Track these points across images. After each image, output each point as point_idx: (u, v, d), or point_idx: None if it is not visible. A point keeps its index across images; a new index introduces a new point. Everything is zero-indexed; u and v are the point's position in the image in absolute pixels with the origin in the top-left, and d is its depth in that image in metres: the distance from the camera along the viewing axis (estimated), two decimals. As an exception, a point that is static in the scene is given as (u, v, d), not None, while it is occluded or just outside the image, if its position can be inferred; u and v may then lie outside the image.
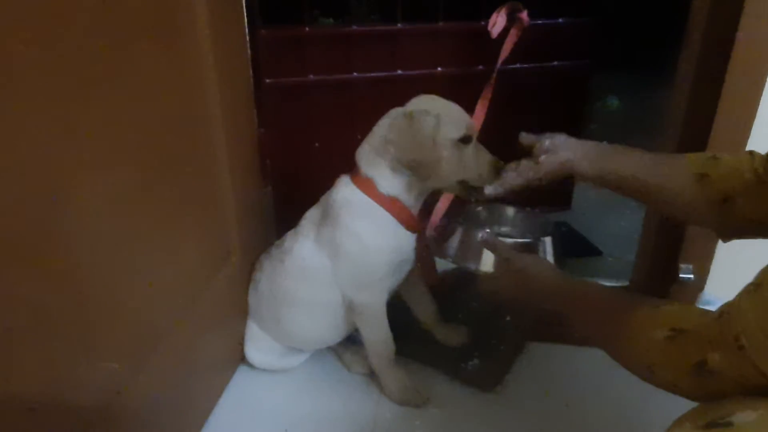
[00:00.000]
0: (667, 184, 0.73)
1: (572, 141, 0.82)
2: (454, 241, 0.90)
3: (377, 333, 0.94)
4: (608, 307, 0.65)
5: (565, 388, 0.99)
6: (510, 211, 1.04)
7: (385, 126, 0.88)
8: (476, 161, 0.88)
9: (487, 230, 0.89)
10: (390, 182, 0.88)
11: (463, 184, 0.90)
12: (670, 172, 0.73)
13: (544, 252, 0.90)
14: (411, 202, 0.90)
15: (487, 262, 0.85)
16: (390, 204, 0.88)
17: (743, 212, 0.66)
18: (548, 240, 0.90)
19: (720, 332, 0.48)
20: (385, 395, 0.97)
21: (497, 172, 0.86)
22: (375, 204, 0.88)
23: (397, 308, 1.00)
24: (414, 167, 0.85)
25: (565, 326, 0.74)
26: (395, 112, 0.89)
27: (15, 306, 0.50)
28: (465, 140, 0.87)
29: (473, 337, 1.07)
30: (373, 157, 0.88)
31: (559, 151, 0.81)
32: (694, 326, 0.52)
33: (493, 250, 0.84)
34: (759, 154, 0.66)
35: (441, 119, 0.85)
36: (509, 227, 1.02)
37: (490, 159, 0.88)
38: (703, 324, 0.51)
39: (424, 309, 1.07)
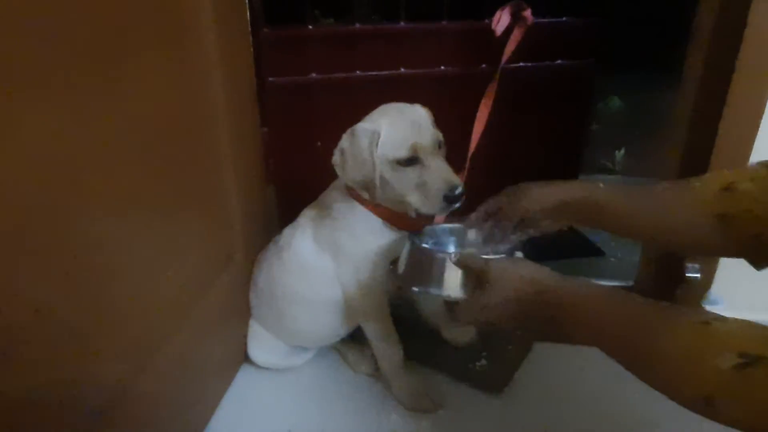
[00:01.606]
0: (676, 224, 0.64)
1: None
2: (402, 263, 0.78)
3: (383, 335, 0.94)
4: (635, 320, 0.55)
5: (572, 389, 0.98)
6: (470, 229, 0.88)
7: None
8: (423, 186, 0.79)
9: (455, 251, 0.76)
10: (364, 192, 0.85)
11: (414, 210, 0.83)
12: (678, 210, 0.64)
13: None
14: (399, 208, 0.87)
15: (452, 284, 0.71)
16: (380, 210, 0.88)
17: None
18: (519, 254, 0.78)
19: None
20: (396, 401, 0.95)
21: (449, 201, 0.77)
22: (363, 208, 0.88)
23: (403, 309, 1.00)
24: (361, 187, 0.83)
25: (573, 339, 0.60)
26: (349, 129, 0.84)
27: (17, 304, 0.50)
28: (407, 162, 0.79)
29: (480, 338, 1.06)
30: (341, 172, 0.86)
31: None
32: None
33: (466, 266, 0.70)
34: None
35: (379, 136, 0.80)
36: (472, 247, 0.85)
37: (442, 185, 0.78)
38: None
39: (431, 309, 1.06)
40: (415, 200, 0.81)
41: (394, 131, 0.80)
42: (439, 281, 0.72)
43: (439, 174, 0.79)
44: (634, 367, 0.53)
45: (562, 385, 0.99)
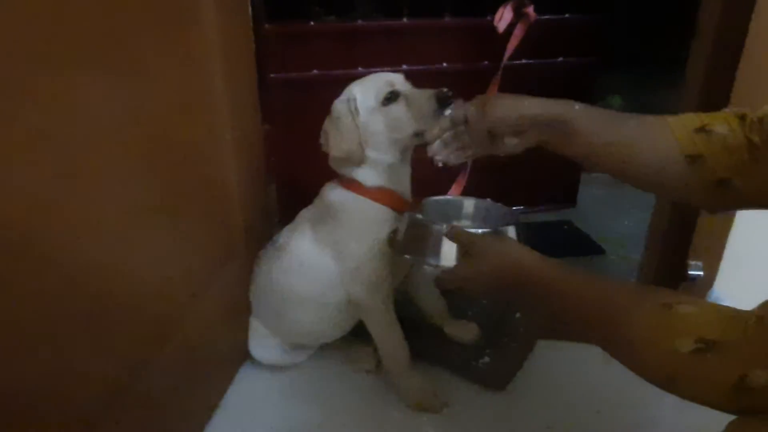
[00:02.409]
0: (647, 160, 0.63)
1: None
2: (400, 235, 0.82)
3: (388, 333, 0.93)
4: (607, 300, 0.57)
5: (575, 386, 0.98)
6: (468, 202, 0.92)
7: None
8: (413, 110, 0.83)
9: (452, 223, 0.77)
10: (367, 172, 0.89)
11: (414, 137, 0.85)
12: (652, 145, 0.63)
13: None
14: (395, 182, 0.90)
15: (449, 255, 0.74)
16: (377, 194, 0.89)
17: (739, 193, 0.60)
18: (511, 229, 0.78)
19: (763, 343, 0.44)
20: (402, 400, 0.94)
21: (442, 104, 0.79)
22: (365, 199, 0.89)
23: (405, 306, 1.00)
24: (347, 159, 0.87)
25: (557, 322, 0.66)
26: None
27: (20, 298, 0.50)
28: (389, 99, 0.85)
29: (484, 335, 1.06)
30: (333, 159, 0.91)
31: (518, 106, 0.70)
32: (726, 337, 0.47)
33: (455, 240, 0.73)
34: (751, 118, 0.59)
35: (354, 99, 0.86)
36: (468, 220, 0.91)
37: (429, 94, 0.82)
38: (739, 333, 0.46)
39: (432, 306, 1.07)
40: (414, 125, 0.84)
41: (366, 86, 0.87)
42: (435, 252, 0.75)
43: (422, 91, 0.84)
44: (607, 347, 0.56)
45: (566, 382, 0.99)
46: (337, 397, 0.97)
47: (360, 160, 0.87)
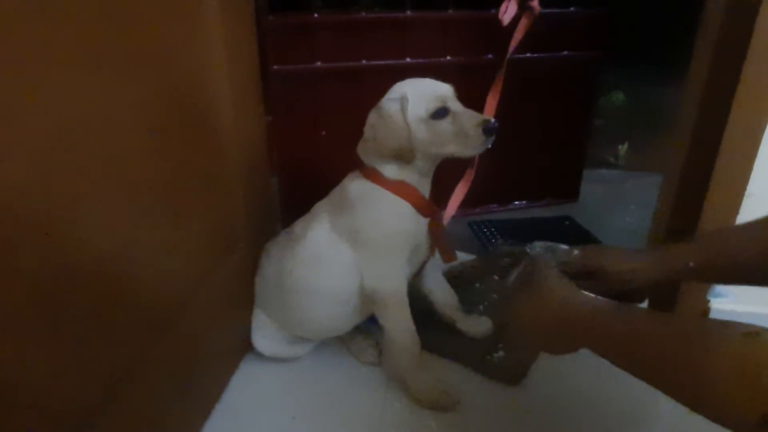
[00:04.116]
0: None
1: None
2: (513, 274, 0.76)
3: (401, 325, 0.92)
4: (673, 339, 0.50)
5: (590, 380, 0.96)
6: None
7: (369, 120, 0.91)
8: (458, 131, 0.85)
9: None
10: (391, 167, 0.90)
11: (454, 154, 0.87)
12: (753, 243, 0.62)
13: None
14: (418, 182, 0.91)
15: None
16: (398, 188, 0.89)
17: None
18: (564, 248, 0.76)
19: None
20: (412, 398, 0.93)
21: (486, 132, 0.83)
22: (385, 191, 0.89)
23: (417, 300, 0.99)
24: (396, 156, 0.88)
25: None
26: (374, 108, 0.90)
27: (18, 286, 0.50)
28: (437, 114, 0.85)
29: (496, 329, 1.05)
30: (367, 149, 0.91)
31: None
32: None
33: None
34: None
35: (407, 100, 0.86)
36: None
37: (477, 121, 0.84)
38: None
39: (444, 300, 1.06)
40: (455, 147, 0.86)
41: (419, 92, 0.87)
42: None
43: (470, 114, 0.86)
44: (674, 390, 0.48)
45: (580, 376, 0.97)
46: (338, 390, 0.98)
47: (410, 158, 0.87)
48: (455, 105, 0.87)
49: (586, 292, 0.61)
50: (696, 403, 0.46)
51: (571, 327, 0.59)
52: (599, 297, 0.60)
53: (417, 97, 0.86)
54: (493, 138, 0.84)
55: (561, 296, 0.61)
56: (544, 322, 0.62)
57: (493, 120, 0.84)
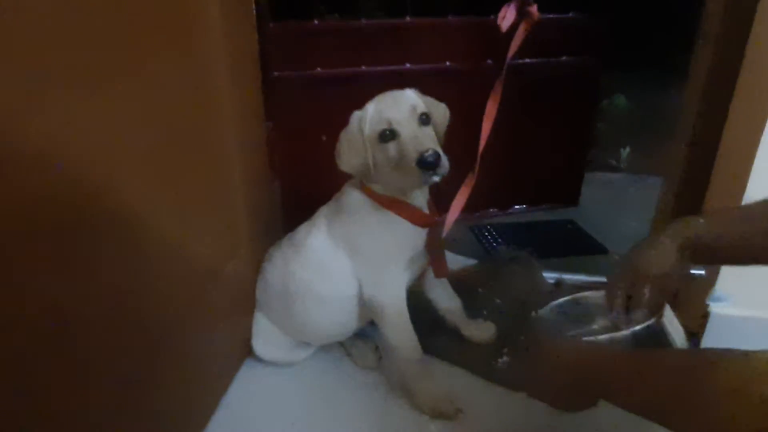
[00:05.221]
0: None
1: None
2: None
3: (401, 333, 0.91)
4: (674, 372, 0.51)
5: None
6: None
7: None
8: (400, 160, 0.79)
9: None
10: (378, 187, 0.89)
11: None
12: None
13: (672, 332, 0.68)
14: (410, 195, 0.89)
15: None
16: (392, 204, 0.88)
17: None
18: (669, 315, 0.68)
19: None
20: (414, 406, 0.92)
21: (421, 164, 0.75)
22: (376, 204, 0.89)
23: (421, 306, 0.99)
24: (359, 173, 0.86)
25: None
26: None
27: (31, 300, 0.51)
28: (384, 136, 0.81)
29: (500, 334, 1.05)
30: (339, 164, 0.88)
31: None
32: None
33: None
34: None
35: (365, 119, 0.83)
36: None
37: (413, 153, 0.76)
38: None
39: (448, 305, 1.05)
40: (397, 176, 0.82)
41: (377, 110, 0.84)
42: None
43: (411, 143, 0.78)
44: (678, 422, 0.49)
45: None
46: (338, 395, 0.98)
47: (368, 178, 0.87)
48: (407, 128, 0.80)
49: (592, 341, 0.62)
50: (697, 427, 0.47)
51: (584, 381, 0.59)
52: (608, 347, 0.61)
53: (373, 116, 0.83)
54: (434, 174, 0.77)
55: (569, 356, 0.62)
56: (558, 382, 0.63)
57: (429, 152, 0.75)
